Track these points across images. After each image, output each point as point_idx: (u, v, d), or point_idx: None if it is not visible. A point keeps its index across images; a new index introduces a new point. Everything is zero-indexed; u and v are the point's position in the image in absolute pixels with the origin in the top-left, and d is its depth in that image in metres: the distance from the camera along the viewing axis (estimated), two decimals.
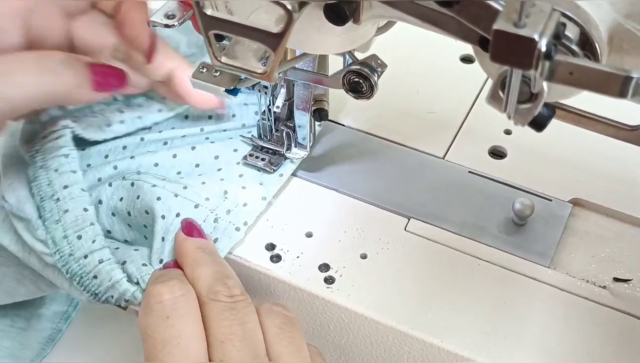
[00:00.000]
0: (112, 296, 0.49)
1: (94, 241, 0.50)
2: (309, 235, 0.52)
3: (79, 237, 0.50)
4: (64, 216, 0.51)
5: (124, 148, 0.55)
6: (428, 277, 0.49)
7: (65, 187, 0.51)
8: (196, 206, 0.52)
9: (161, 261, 0.50)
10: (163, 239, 0.50)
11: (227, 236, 0.51)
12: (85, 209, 0.51)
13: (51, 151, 0.52)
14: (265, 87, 0.53)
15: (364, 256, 0.51)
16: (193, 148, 0.56)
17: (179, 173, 0.55)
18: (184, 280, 0.46)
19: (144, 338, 0.43)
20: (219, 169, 0.55)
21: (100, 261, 0.49)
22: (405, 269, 0.50)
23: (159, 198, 0.51)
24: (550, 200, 0.53)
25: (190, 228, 0.50)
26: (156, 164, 0.55)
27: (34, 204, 0.52)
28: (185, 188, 0.53)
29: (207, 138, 0.57)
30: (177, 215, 0.51)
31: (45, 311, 0.68)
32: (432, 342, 0.46)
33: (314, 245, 0.51)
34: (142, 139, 0.56)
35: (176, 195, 0.52)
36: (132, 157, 0.55)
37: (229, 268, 0.48)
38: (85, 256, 0.49)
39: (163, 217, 0.50)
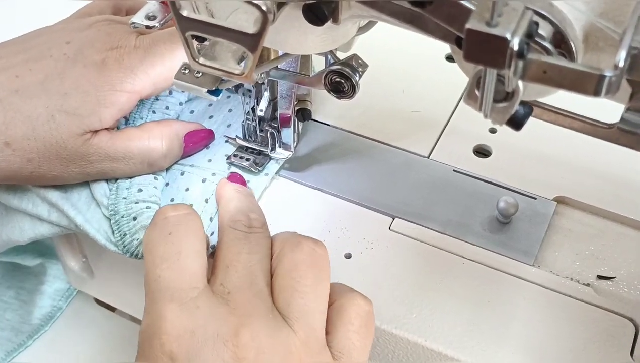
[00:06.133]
0: (138, 239, 0.49)
1: (151, 196, 0.52)
2: None
3: (140, 190, 0.52)
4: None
5: None
6: (412, 276, 0.49)
7: None
8: (203, 181, 0.54)
9: None
10: None
11: None
12: (155, 178, 0.53)
13: None
14: (249, 90, 0.53)
15: (348, 256, 0.51)
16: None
17: None
18: (192, 207, 0.46)
19: (145, 254, 0.43)
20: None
21: (148, 208, 0.51)
22: (390, 268, 0.50)
23: (167, 184, 0.54)
24: (535, 198, 0.53)
25: (234, 177, 0.53)
26: None
27: None
28: (192, 166, 0.55)
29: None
30: (187, 189, 0.53)
31: (47, 289, 0.70)
32: (417, 341, 0.46)
33: None
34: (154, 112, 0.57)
35: (182, 173, 0.55)
36: None
37: (259, 207, 0.49)
38: (137, 202, 0.51)
39: (172, 200, 0.53)
